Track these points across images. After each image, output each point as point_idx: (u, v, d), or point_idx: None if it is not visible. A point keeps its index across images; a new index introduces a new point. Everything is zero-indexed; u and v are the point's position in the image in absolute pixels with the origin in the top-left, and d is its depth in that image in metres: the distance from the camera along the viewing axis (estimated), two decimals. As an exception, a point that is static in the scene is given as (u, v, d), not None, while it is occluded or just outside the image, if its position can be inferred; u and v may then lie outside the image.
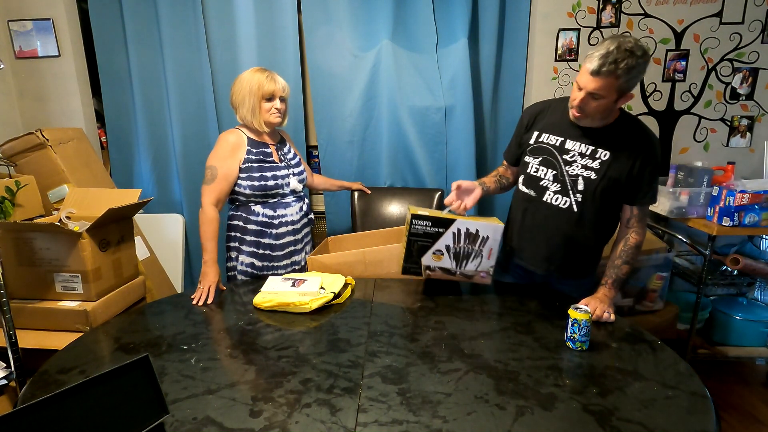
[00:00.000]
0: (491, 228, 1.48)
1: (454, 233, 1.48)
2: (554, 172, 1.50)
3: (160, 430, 0.93)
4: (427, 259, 1.51)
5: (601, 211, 1.49)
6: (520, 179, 1.60)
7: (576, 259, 1.56)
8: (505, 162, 1.75)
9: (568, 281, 1.61)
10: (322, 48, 2.42)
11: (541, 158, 1.53)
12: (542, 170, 1.52)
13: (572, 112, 1.42)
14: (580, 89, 1.35)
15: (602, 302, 1.39)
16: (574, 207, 1.48)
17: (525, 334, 1.30)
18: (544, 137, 1.53)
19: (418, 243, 1.50)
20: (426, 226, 1.48)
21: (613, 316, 1.37)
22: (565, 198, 1.49)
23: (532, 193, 1.55)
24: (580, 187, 1.46)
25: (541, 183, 1.53)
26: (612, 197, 1.47)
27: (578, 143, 1.47)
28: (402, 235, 1.55)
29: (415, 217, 1.47)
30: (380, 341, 1.27)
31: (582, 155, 1.46)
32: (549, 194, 1.51)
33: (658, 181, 1.46)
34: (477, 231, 1.48)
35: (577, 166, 1.46)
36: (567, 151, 1.48)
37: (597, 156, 1.44)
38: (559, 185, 1.49)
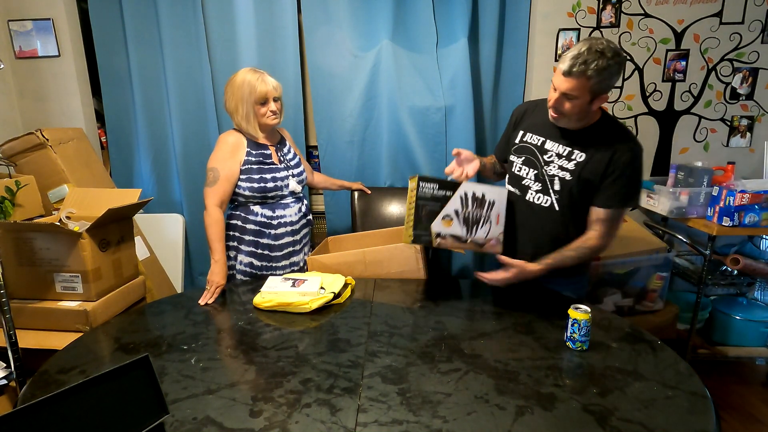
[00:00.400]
0: (497, 191, 1.50)
1: (461, 197, 1.47)
2: (535, 171, 1.53)
3: (160, 430, 0.93)
4: (437, 226, 1.47)
5: (581, 211, 1.50)
6: (507, 178, 1.64)
7: None
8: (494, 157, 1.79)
9: (558, 280, 1.61)
10: (322, 48, 2.41)
11: (523, 158, 1.56)
12: (524, 169, 1.56)
13: (550, 113, 1.45)
14: (555, 90, 1.37)
15: (515, 274, 1.44)
16: (556, 206, 1.51)
17: (525, 334, 1.30)
18: (528, 137, 1.56)
19: (426, 207, 1.46)
20: (433, 188, 1.46)
21: (495, 282, 1.47)
22: (546, 197, 1.52)
23: (516, 191, 1.59)
24: (557, 187, 1.49)
25: (523, 182, 1.56)
26: (588, 198, 1.48)
27: (557, 144, 1.49)
28: (407, 207, 1.50)
29: (422, 179, 1.45)
30: (380, 341, 1.27)
31: (559, 156, 1.48)
32: (531, 193, 1.54)
33: (631, 186, 1.43)
34: (483, 195, 1.49)
35: (554, 167, 1.49)
36: (546, 151, 1.51)
37: (573, 157, 1.46)
38: (540, 184, 1.52)
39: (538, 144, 1.53)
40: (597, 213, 1.46)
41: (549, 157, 1.50)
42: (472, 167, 1.56)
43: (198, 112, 2.49)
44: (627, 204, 1.45)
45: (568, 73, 1.31)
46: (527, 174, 1.55)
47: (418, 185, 1.45)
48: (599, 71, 1.28)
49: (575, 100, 1.35)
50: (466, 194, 1.48)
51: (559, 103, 1.38)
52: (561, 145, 1.48)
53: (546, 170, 1.50)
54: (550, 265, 1.46)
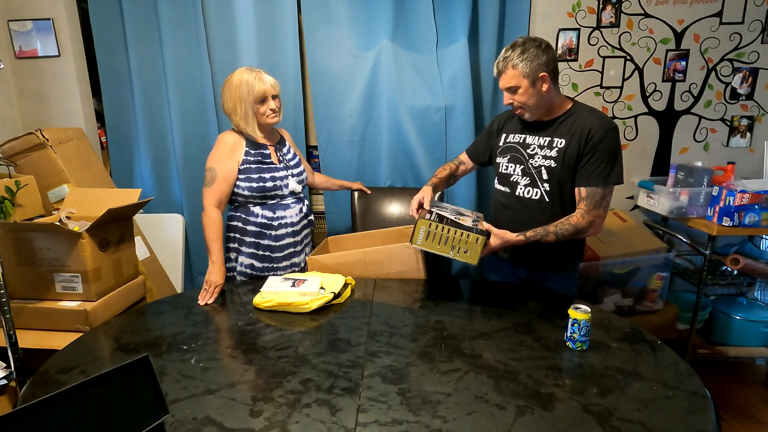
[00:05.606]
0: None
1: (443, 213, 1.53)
2: (522, 166, 1.60)
3: (160, 430, 0.93)
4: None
5: (570, 199, 1.55)
6: (495, 179, 1.72)
7: (557, 250, 1.58)
8: (461, 158, 1.86)
9: (553, 277, 1.65)
10: (322, 48, 2.41)
11: (509, 156, 1.64)
12: (511, 167, 1.63)
13: (516, 113, 1.59)
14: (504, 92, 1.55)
15: (497, 244, 1.49)
16: (546, 197, 1.56)
17: (525, 334, 1.30)
18: (510, 137, 1.66)
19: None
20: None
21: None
22: (535, 189, 1.58)
23: (506, 189, 1.65)
24: (545, 176, 1.55)
25: (511, 179, 1.62)
26: (574, 183, 1.54)
27: (537, 137, 1.58)
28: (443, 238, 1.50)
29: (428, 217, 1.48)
30: (380, 341, 1.27)
31: (541, 147, 1.56)
32: (520, 188, 1.60)
33: (609, 163, 1.47)
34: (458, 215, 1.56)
35: (539, 158, 1.56)
36: (528, 146, 1.59)
37: (554, 145, 1.53)
38: (528, 178, 1.58)
39: (520, 141, 1.62)
40: (579, 192, 1.52)
41: (532, 151, 1.58)
42: (427, 201, 1.61)
43: (198, 112, 2.49)
44: (607, 182, 1.48)
45: (499, 73, 1.52)
46: (514, 170, 1.61)
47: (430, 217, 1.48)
48: (519, 57, 1.45)
49: (518, 89, 1.49)
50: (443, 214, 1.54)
51: (510, 99, 1.53)
52: (541, 137, 1.57)
53: (531, 163, 1.57)
54: (530, 238, 1.50)
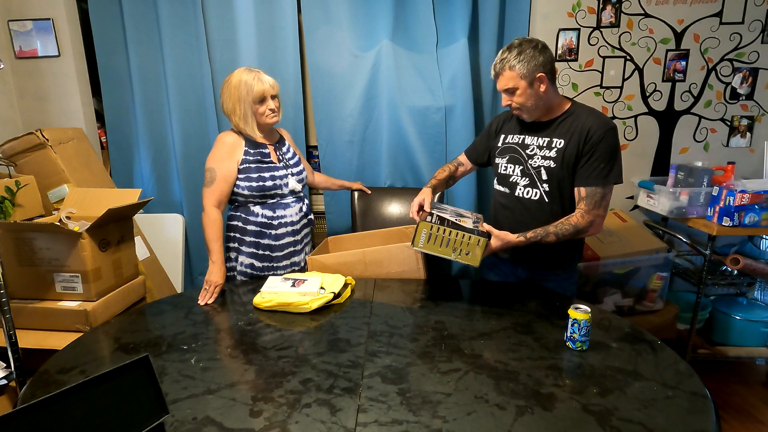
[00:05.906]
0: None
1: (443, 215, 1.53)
2: (521, 167, 1.60)
3: (160, 430, 0.93)
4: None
5: (570, 200, 1.55)
6: (495, 180, 1.72)
7: (556, 250, 1.58)
8: (460, 159, 1.87)
9: (552, 277, 1.65)
10: (322, 48, 2.41)
11: (508, 156, 1.64)
12: (510, 167, 1.63)
13: (514, 114, 1.59)
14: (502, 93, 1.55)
15: (498, 246, 1.49)
16: (545, 198, 1.56)
17: (525, 334, 1.30)
18: (509, 138, 1.66)
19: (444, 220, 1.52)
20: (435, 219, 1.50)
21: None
22: (535, 190, 1.58)
23: (506, 190, 1.65)
24: (545, 177, 1.55)
25: (511, 179, 1.63)
26: (573, 183, 1.54)
27: (536, 137, 1.58)
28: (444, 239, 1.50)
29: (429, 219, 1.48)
30: (380, 341, 1.27)
31: (540, 147, 1.56)
32: (520, 189, 1.61)
33: (608, 163, 1.47)
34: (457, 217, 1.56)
35: (538, 158, 1.56)
36: (527, 146, 1.59)
37: (553, 146, 1.54)
38: (527, 179, 1.59)
39: (519, 141, 1.62)
40: (579, 192, 1.52)
41: (531, 151, 1.58)
42: (427, 204, 1.61)
43: (198, 112, 2.49)
44: (607, 181, 1.48)
45: (496, 75, 1.52)
46: (513, 171, 1.62)
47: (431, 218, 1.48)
48: (516, 58, 1.45)
49: (516, 91, 1.49)
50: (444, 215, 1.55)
51: (509, 100, 1.52)
52: (540, 138, 1.57)
53: (530, 164, 1.57)
54: (531, 239, 1.50)
